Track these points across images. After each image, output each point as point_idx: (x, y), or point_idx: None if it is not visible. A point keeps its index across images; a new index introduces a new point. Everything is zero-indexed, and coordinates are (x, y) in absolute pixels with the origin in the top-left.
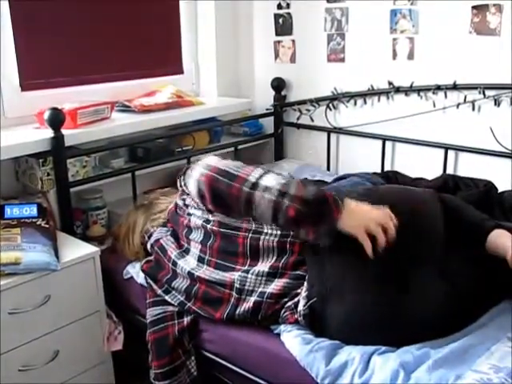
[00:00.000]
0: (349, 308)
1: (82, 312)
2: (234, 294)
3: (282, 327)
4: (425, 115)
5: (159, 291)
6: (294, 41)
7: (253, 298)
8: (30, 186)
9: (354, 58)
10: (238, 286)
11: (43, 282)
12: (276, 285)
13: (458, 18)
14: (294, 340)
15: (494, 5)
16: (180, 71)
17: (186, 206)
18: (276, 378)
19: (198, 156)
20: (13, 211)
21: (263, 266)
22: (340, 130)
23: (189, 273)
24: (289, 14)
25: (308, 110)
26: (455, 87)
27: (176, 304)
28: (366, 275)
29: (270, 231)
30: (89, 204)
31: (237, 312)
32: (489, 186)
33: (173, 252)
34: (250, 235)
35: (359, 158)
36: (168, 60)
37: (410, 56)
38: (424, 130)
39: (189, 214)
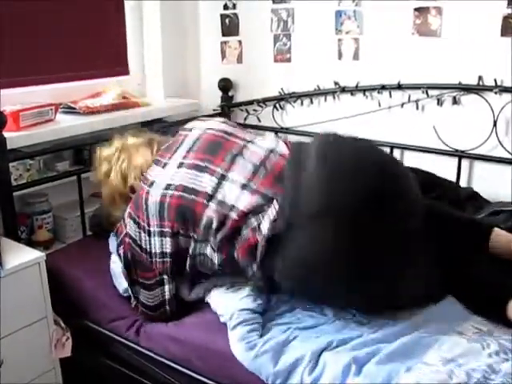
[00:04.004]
0: (309, 241)
1: (27, 319)
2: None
3: (228, 319)
4: (370, 114)
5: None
6: (240, 41)
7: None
8: None
9: (301, 58)
10: (210, 192)
11: None
12: (246, 201)
13: (400, 19)
14: (238, 345)
15: (435, 7)
16: (126, 72)
17: None
18: (228, 378)
19: None
20: None
21: (238, 176)
22: (287, 130)
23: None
24: (235, 14)
25: (255, 111)
26: (399, 87)
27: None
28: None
29: (261, 144)
30: (34, 208)
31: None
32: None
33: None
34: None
35: None
36: (114, 61)
37: (355, 56)
38: (370, 128)
39: None
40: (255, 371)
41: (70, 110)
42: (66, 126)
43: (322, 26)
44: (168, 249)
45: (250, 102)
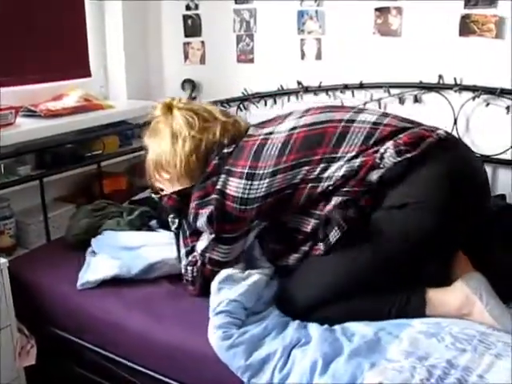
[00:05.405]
0: None
1: None
2: None
3: (215, 304)
4: None
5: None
6: (203, 42)
7: None
8: None
9: (263, 58)
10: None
11: None
12: None
13: (362, 19)
14: (215, 332)
15: (395, 7)
16: (87, 74)
17: None
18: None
19: (108, 160)
20: None
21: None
22: None
23: None
24: (197, 15)
25: None
26: (362, 86)
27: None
28: None
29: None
30: None
31: None
32: None
33: None
34: None
35: None
36: (75, 63)
37: (318, 56)
38: None
39: None
40: (226, 361)
41: (31, 113)
42: (27, 129)
43: (285, 27)
44: (275, 187)
45: (214, 103)
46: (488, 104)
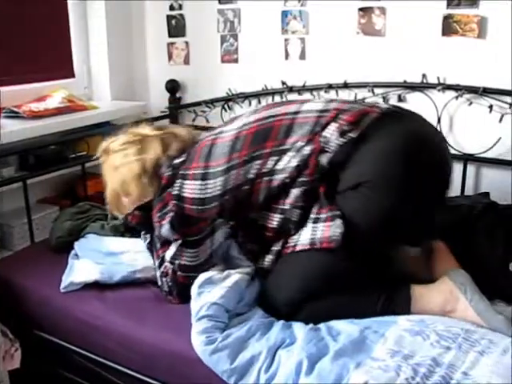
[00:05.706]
0: None
1: None
2: None
3: (197, 308)
4: None
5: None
6: (187, 42)
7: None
8: None
9: (248, 58)
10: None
11: None
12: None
13: (345, 19)
14: (198, 338)
15: (378, 7)
16: (71, 75)
17: None
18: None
19: (92, 161)
20: None
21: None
22: None
23: None
24: (181, 15)
25: (203, 112)
26: (346, 86)
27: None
28: None
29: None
30: None
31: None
32: None
33: None
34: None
35: None
36: (58, 63)
37: (302, 56)
38: None
39: None
40: (211, 366)
41: (14, 114)
42: (10, 130)
43: (269, 26)
44: (231, 184)
45: (198, 103)
46: (471, 103)
